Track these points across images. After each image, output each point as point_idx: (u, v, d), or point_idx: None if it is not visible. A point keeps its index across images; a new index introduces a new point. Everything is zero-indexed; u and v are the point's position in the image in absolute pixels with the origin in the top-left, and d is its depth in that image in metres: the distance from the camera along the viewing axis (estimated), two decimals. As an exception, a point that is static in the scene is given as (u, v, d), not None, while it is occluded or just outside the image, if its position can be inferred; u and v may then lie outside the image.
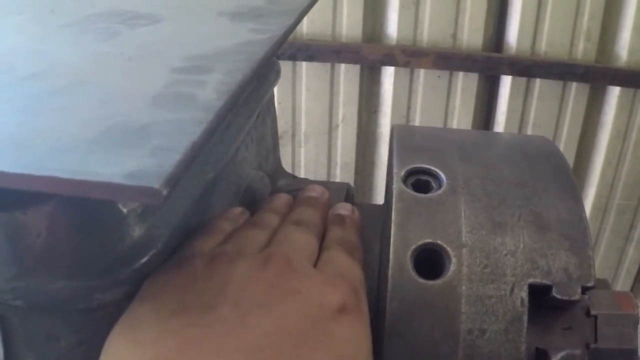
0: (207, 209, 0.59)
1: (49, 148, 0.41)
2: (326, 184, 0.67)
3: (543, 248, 0.53)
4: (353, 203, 0.67)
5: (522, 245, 0.53)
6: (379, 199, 2.62)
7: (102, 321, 0.47)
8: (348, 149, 2.57)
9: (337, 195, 0.64)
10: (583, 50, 2.30)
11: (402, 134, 0.63)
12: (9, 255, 0.46)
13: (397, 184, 0.55)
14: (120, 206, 0.48)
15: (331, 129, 2.53)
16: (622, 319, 0.55)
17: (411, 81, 2.41)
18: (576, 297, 0.51)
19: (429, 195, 0.55)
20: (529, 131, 2.41)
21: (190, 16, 0.68)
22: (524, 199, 0.56)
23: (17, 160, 0.40)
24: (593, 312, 0.54)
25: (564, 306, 0.54)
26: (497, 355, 0.49)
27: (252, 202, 0.68)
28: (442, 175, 0.56)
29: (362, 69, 2.41)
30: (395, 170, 0.56)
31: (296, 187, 0.66)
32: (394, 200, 0.53)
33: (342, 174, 2.60)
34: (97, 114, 0.46)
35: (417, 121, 2.45)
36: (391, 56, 2.33)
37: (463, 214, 0.53)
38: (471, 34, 2.31)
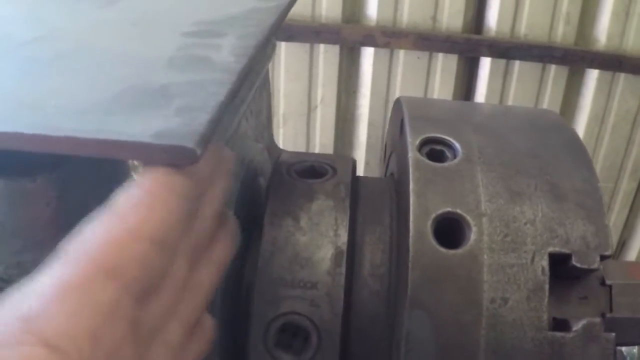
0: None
1: (64, 109, 0.39)
2: (331, 157, 0.65)
3: (561, 217, 0.52)
4: (357, 176, 0.66)
5: (540, 214, 0.52)
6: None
7: None
8: (327, 130, 2.55)
9: (344, 168, 0.62)
10: (562, 33, 2.30)
11: (411, 105, 0.62)
12: (16, 226, 0.43)
13: (412, 153, 0.53)
14: (130, 171, 0.46)
15: (310, 110, 2.51)
16: (636, 289, 0.55)
17: (391, 62, 2.39)
18: (595, 265, 0.51)
19: (445, 164, 0.54)
20: (508, 113, 2.41)
21: None
22: (538, 169, 0.55)
23: (32, 122, 0.38)
24: (608, 282, 0.54)
25: (580, 275, 0.53)
26: (519, 324, 0.48)
27: (255, 176, 0.67)
28: (457, 145, 0.55)
29: (341, 50, 2.39)
30: (409, 140, 0.55)
31: (301, 159, 0.64)
32: (410, 169, 0.52)
33: (321, 155, 2.58)
34: (109, 76, 0.44)
35: (396, 103, 2.43)
36: (371, 37, 2.31)
37: (480, 183, 0.52)
38: (451, 15, 2.31)
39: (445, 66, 2.38)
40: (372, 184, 0.64)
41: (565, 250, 0.51)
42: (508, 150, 0.56)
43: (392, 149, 0.70)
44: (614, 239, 2.69)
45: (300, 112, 2.51)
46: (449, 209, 0.50)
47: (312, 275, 0.54)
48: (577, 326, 0.49)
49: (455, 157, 0.55)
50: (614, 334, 0.50)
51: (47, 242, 0.43)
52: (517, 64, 2.35)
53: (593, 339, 0.50)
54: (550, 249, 0.51)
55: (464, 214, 0.50)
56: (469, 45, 2.31)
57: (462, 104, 0.62)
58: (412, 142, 0.55)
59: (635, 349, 1.75)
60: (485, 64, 2.38)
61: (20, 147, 0.37)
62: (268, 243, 0.55)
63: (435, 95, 2.42)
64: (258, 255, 0.55)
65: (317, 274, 0.54)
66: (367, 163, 2.60)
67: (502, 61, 2.35)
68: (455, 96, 2.45)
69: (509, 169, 0.54)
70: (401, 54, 2.37)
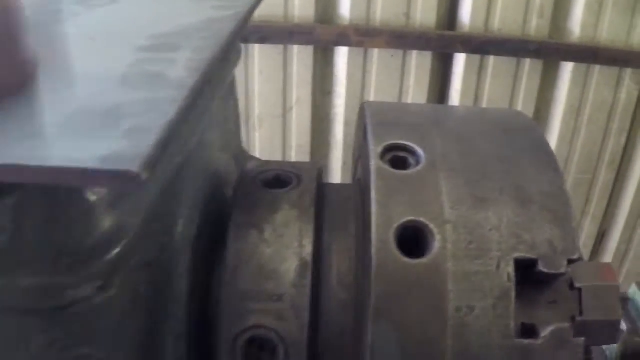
0: (176, 196, 0.56)
1: (13, 133, 0.38)
2: (297, 165, 0.65)
3: (527, 222, 0.52)
4: (323, 183, 0.65)
5: (505, 220, 0.51)
6: (335, 179, 2.61)
7: (74, 319, 0.44)
8: (303, 131, 2.54)
9: (309, 177, 0.61)
10: (536, 26, 2.31)
11: (375, 111, 0.61)
12: None
13: (375, 161, 0.53)
14: (88, 195, 0.45)
15: (285, 111, 2.50)
16: (606, 291, 0.54)
17: (365, 61, 2.39)
18: (562, 270, 0.51)
19: (408, 171, 0.53)
20: (484, 108, 2.42)
21: None
22: (504, 172, 0.54)
23: None
24: (577, 285, 0.53)
25: (548, 280, 0.53)
26: (486, 332, 0.48)
27: (220, 187, 0.66)
28: (420, 151, 0.55)
29: (315, 50, 2.39)
30: (371, 147, 0.54)
31: (266, 168, 0.63)
32: (373, 178, 0.52)
33: (298, 156, 2.58)
34: (62, 96, 0.43)
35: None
36: (344, 36, 2.31)
37: (444, 190, 0.52)
38: (424, 12, 2.30)
39: (419, 63, 2.38)
40: (339, 191, 0.64)
41: (531, 256, 0.50)
42: (474, 155, 0.56)
43: (358, 154, 0.69)
44: (594, 230, 2.71)
45: (276, 113, 2.50)
46: (412, 218, 0.50)
47: (278, 287, 0.53)
48: (546, 332, 0.49)
49: (418, 163, 0.54)
50: (583, 339, 0.50)
51: (4, 267, 0.42)
52: (491, 59, 2.35)
53: (562, 345, 0.49)
54: (516, 255, 0.50)
55: (427, 222, 0.50)
56: (443, 41, 2.32)
57: (431, 107, 0.61)
58: (375, 149, 0.54)
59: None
60: (460, 60, 2.38)
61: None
62: (233, 256, 0.54)
63: (411, 93, 2.42)
64: (224, 269, 0.54)
65: (283, 286, 0.53)
66: (344, 163, 2.59)
67: (477, 57, 2.35)
68: (431, 93, 2.45)
69: (473, 174, 0.54)
70: (375, 53, 2.36)
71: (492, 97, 2.41)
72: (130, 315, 0.48)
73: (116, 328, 0.47)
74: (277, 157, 2.59)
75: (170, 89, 0.42)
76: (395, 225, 0.49)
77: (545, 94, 2.46)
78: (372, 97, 2.43)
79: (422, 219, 0.50)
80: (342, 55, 2.40)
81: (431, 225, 0.50)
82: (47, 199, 0.42)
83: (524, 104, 2.43)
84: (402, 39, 2.30)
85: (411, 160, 0.55)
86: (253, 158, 0.78)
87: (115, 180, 0.32)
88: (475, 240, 0.50)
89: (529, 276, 0.51)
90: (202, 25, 0.56)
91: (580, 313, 0.52)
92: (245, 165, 0.67)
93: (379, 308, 0.47)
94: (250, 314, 0.53)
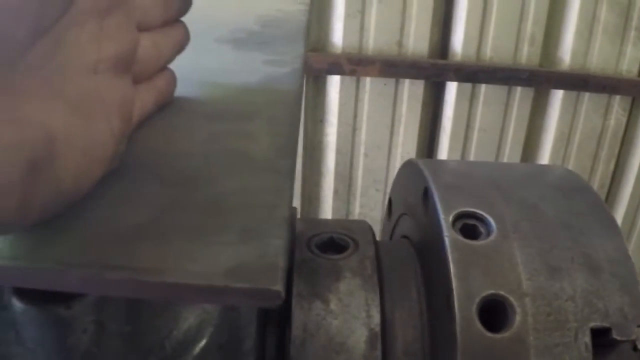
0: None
1: (96, 235, 0.35)
2: (347, 225, 0.63)
3: (599, 290, 0.51)
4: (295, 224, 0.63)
5: (579, 289, 0.51)
6: (326, 207, 2.60)
7: None
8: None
9: (365, 239, 0.60)
10: (527, 54, 2.33)
11: (433, 171, 0.60)
12: (49, 355, 0.39)
13: (448, 232, 0.52)
14: None
15: (277, 140, 2.49)
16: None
17: (357, 89, 2.39)
18: (633, 336, 0.50)
19: (482, 242, 0.52)
20: (475, 135, 2.43)
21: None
22: (572, 240, 0.54)
23: (57, 255, 0.33)
24: (640, 347, 0.53)
25: (616, 344, 0.53)
26: (572, 407, 0.47)
27: None
28: (489, 219, 0.54)
29: (307, 79, 2.38)
30: (442, 217, 0.53)
31: (319, 231, 0.62)
32: (449, 250, 0.51)
33: (289, 184, 2.56)
34: (146, 189, 0.40)
35: (363, 130, 2.43)
36: (337, 65, 2.31)
37: (519, 260, 0.51)
38: (417, 41, 2.31)
39: (411, 92, 2.39)
40: (393, 252, 0.63)
41: (605, 324, 0.50)
42: (541, 222, 0.55)
43: (405, 211, 0.68)
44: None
45: (269, 142, 2.49)
46: (492, 291, 0.49)
47: (348, 361, 0.52)
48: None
49: (489, 232, 0.53)
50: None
51: None
52: (483, 87, 2.36)
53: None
54: (592, 324, 0.50)
55: (507, 295, 0.49)
56: (435, 70, 2.32)
57: (487, 167, 0.59)
58: (446, 218, 0.53)
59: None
60: (452, 88, 2.39)
61: (48, 286, 0.33)
62: (299, 329, 0.53)
63: (403, 121, 2.42)
64: (290, 343, 0.53)
65: (353, 359, 0.52)
66: (335, 191, 2.58)
67: (468, 85, 2.36)
68: (422, 121, 2.46)
69: (544, 243, 0.53)
70: (367, 81, 2.37)
71: (483, 124, 2.42)
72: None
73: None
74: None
75: (265, 174, 0.40)
76: (477, 300, 0.48)
77: (536, 121, 2.48)
78: (364, 125, 2.43)
79: (501, 292, 0.49)
80: (334, 83, 2.39)
81: (511, 298, 0.49)
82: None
83: (514, 131, 2.45)
84: (394, 67, 2.31)
85: (481, 228, 0.54)
86: (295, 210, 0.76)
87: (252, 298, 0.29)
88: (553, 312, 0.49)
89: (599, 343, 0.51)
90: (264, 86, 0.55)
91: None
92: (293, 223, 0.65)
93: (466, 387, 0.46)
94: (321, 388, 0.52)
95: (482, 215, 0.54)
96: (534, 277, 0.50)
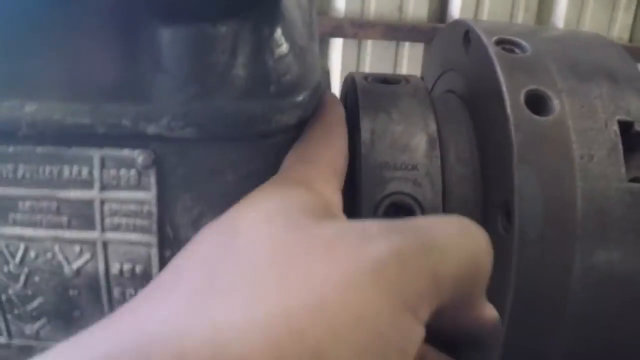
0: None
1: None
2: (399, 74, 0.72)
3: (620, 94, 0.61)
4: None
5: (605, 92, 0.60)
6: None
7: (274, 149, 0.46)
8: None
9: (415, 79, 0.69)
10: (522, 20, 2.43)
11: (475, 23, 0.69)
12: (190, 72, 0.42)
13: (492, 48, 0.61)
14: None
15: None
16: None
17: (359, 52, 2.48)
18: (654, 130, 0.59)
19: (520, 55, 0.62)
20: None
21: None
22: (596, 62, 0.63)
23: None
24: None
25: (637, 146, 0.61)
26: (605, 176, 0.56)
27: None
28: (525, 44, 0.63)
29: (311, 43, 2.46)
30: (485, 40, 0.63)
31: (371, 73, 0.71)
32: (494, 58, 0.60)
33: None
34: None
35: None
36: (340, 28, 2.40)
37: (552, 69, 0.60)
38: (416, 6, 2.41)
39: (411, 54, 2.49)
40: (440, 95, 0.72)
41: (628, 119, 0.59)
42: (570, 52, 0.65)
43: (448, 68, 0.77)
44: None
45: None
46: (534, 87, 0.58)
47: (412, 158, 0.61)
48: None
49: (525, 51, 0.63)
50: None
51: (218, 90, 0.43)
52: (479, 50, 2.45)
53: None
54: (618, 117, 0.59)
55: (546, 90, 0.58)
56: (434, 33, 2.41)
57: (525, 25, 0.68)
58: (488, 41, 0.63)
59: None
60: (450, 51, 2.48)
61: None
62: (367, 132, 0.62)
63: (404, 83, 2.51)
64: (356, 146, 0.61)
65: (416, 157, 0.61)
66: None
67: (466, 47, 2.45)
68: (422, 82, 2.55)
69: (573, 62, 0.62)
70: (369, 44, 2.46)
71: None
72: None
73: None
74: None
75: None
76: (523, 91, 0.58)
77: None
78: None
79: (541, 88, 0.58)
80: (337, 46, 2.49)
81: (550, 92, 0.58)
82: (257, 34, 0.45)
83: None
84: (395, 31, 2.41)
85: (518, 50, 0.63)
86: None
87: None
88: (585, 105, 0.59)
89: (624, 140, 0.60)
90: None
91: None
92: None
93: (521, 155, 0.55)
94: (389, 181, 0.60)
95: (518, 41, 0.63)
96: (567, 80, 0.60)
